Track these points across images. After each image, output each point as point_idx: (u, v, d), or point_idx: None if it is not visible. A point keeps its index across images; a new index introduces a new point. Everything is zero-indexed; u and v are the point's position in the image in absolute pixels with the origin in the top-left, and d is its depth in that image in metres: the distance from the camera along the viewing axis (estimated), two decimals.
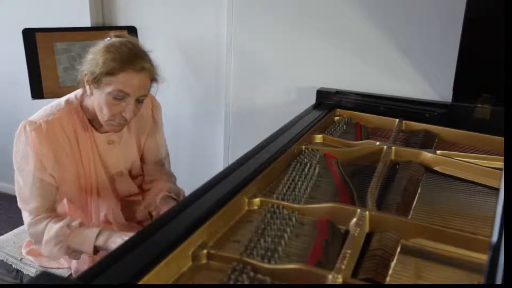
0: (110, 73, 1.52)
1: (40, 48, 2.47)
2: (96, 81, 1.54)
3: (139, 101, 1.60)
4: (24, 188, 1.62)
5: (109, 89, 1.53)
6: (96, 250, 1.56)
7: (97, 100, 1.58)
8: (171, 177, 1.95)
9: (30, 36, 2.44)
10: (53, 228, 1.57)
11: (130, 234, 1.40)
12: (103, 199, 1.78)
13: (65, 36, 2.54)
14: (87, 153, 1.70)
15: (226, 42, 2.51)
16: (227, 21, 2.47)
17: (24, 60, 2.45)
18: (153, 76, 1.62)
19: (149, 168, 1.91)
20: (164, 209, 1.74)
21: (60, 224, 1.57)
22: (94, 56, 1.56)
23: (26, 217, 1.64)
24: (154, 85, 1.66)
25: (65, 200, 1.75)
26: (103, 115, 1.59)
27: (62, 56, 2.52)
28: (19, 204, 1.65)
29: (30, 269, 1.81)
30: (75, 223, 1.58)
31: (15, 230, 1.99)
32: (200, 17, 2.57)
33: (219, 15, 2.51)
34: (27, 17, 2.88)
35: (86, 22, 2.75)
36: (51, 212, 1.64)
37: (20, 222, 2.05)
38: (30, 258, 1.81)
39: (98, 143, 1.71)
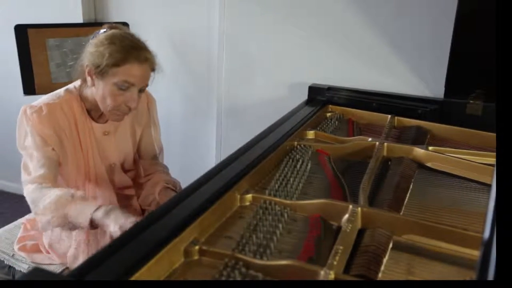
0: (116, 64, 1.56)
1: (32, 44, 2.46)
2: (102, 72, 1.58)
3: (141, 90, 1.64)
4: (29, 163, 1.63)
5: (114, 79, 1.57)
6: (92, 225, 1.49)
7: (100, 91, 1.61)
8: (166, 168, 1.96)
9: (22, 32, 2.42)
10: (56, 193, 1.54)
11: (134, 219, 1.41)
12: (99, 188, 1.79)
13: (57, 32, 2.52)
14: (86, 141, 1.73)
15: (218, 38, 2.51)
16: (219, 17, 2.47)
17: (16, 57, 2.43)
18: (154, 66, 1.66)
19: (146, 163, 1.93)
20: (164, 200, 1.74)
21: (65, 191, 1.56)
22: (97, 48, 1.59)
23: (29, 186, 1.60)
24: (152, 74, 1.68)
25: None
26: (106, 105, 1.62)
27: (54, 52, 2.51)
28: (23, 179, 1.62)
29: (22, 265, 1.80)
30: (79, 194, 1.57)
31: (7, 226, 1.98)
32: (191, 13, 2.56)
33: (210, 11, 2.50)
34: (19, 13, 2.86)
35: (78, 18, 2.74)
36: (54, 183, 1.63)
37: (12, 218, 2.05)
38: (22, 254, 1.80)
39: (95, 132, 1.74)
